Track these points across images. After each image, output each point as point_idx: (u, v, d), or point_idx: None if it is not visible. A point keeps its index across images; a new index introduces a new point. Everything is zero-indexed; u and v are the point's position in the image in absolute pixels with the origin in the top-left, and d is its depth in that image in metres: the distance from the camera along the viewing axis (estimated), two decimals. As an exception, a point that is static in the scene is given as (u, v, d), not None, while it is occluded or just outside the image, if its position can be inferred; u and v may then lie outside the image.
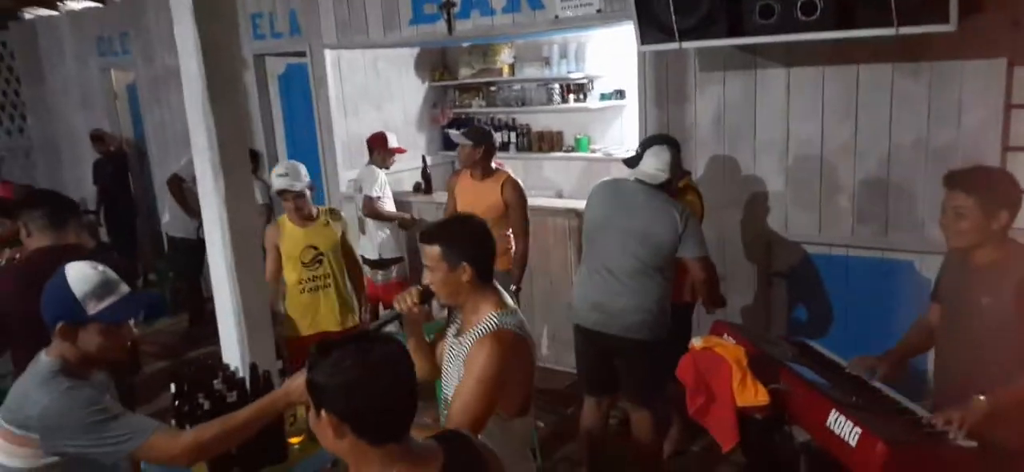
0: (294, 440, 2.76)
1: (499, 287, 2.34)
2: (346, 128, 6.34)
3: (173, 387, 2.71)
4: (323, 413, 1.51)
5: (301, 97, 6.55)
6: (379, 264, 5.66)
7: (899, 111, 3.92)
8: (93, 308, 2.08)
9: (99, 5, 7.90)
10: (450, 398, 2.25)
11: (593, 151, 6.29)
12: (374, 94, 6.54)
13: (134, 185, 8.26)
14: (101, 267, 2.18)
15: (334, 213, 4.41)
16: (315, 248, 4.20)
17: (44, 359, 2.14)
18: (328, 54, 6.14)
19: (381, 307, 5.50)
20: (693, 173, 4.39)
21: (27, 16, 8.81)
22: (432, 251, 2.22)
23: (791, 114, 4.23)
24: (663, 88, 4.60)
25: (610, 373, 3.63)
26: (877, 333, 3.36)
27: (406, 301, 2.28)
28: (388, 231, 5.64)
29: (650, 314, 3.44)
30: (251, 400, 2.55)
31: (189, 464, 2.19)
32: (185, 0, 2.52)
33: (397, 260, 5.71)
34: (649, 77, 4.62)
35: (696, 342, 3.03)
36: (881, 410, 2.67)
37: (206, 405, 2.60)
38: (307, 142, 6.57)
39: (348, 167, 6.25)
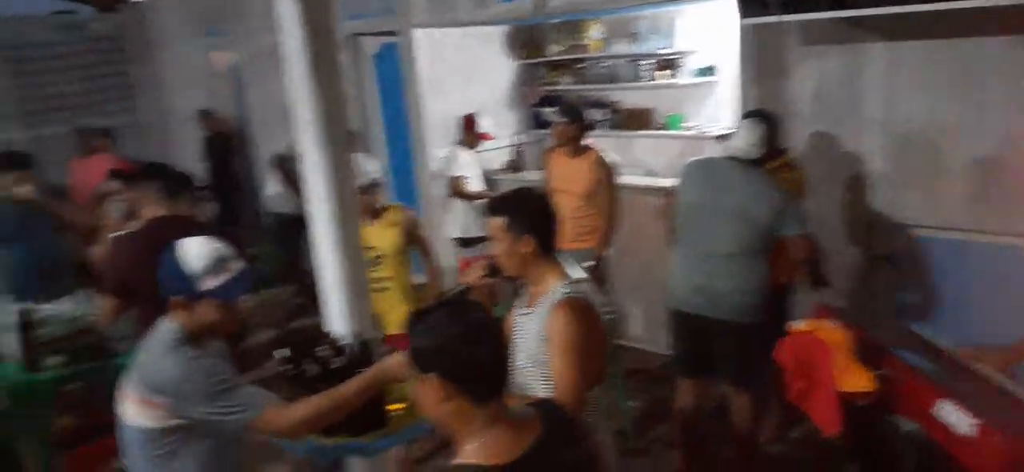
0: (393, 407, 2.85)
1: (565, 260, 2.37)
2: (436, 107, 6.42)
3: (280, 353, 2.84)
4: (429, 377, 1.55)
5: (395, 77, 6.67)
6: (465, 243, 5.77)
7: (1018, 87, 3.69)
8: (206, 285, 2.17)
9: (203, -14, 8.24)
10: (521, 372, 2.30)
11: (686, 129, 6.17)
12: (464, 73, 6.60)
13: (237, 162, 8.60)
14: (215, 244, 2.26)
15: (398, 210, 4.17)
16: (374, 248, 3.95)
17: (166, 326, 2.25)
18: (419, 33, 6.22)
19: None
20: (792, 150, 4.26)
21: None
22: (496, 222, 2.29)
23: (897, 89, 4.04)
24: (761, 63, 4.47)
25: (708, 356, 3.58)
26: (989, 321, 3.20)
27: (473, 275, 2.34)
28: (474, 210, 5.72)
29: (753, 296, 3.37)
30: (355, 367, 2.65)
31: (296, 438, 2.29)
32: (287, -24, 2.59)
33: (483, 239, 5.78)
34: (747, 52, 4.50)
35: (797, 325, 2.96)
36: (995, 401, 2.55)
37: (312, 371, 2.70)
38: (400, 122, 6.69)
39: (439, 147, 6.34)
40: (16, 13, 8.84)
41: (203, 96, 8.67)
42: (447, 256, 6.48)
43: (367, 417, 2.70)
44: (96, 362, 3.96)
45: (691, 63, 6.06)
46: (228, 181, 8.33)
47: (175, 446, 2.20)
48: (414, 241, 4.14)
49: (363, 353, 2.74)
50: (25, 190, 4.40)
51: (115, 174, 4.69)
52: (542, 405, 1.74)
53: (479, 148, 5.84)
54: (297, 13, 2.62)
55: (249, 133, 8.37)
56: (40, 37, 9.00)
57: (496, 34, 6.80)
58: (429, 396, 1.56)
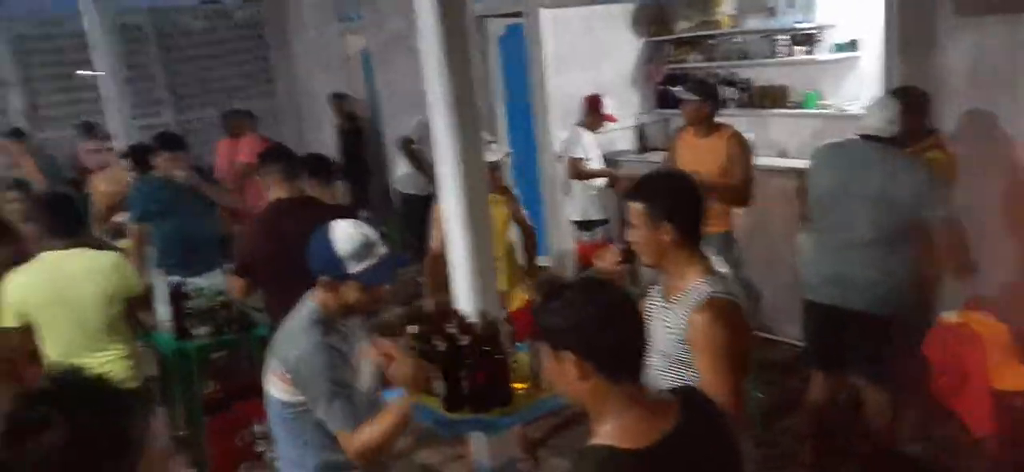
0: (519, 385, 2.88)
1: (708, 251, 2.25)
2: (560, 88, 6.41)
3: (411, 329, 2.94)
4: (564, 354, 1.53)
5: (519, 58, 6.71)
6: (585, 225, 5.74)
7: None
8: (353, 268, 2.24)
9: (336, -26, 8.55)
10: (652, 369, 2.22)
11: (823, 107, 5.87)
12: (588, 53, 6.55)
13: (366, 144, 8.91)
14: (364, 228, 2.33)
15: (505, 191, 4.19)
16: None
17: (309, 304, 2.34)
18: (544, 13, 6.22)
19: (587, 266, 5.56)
20: (943, 130, 3.97)
21: (276, -14, 9.76)
22: (635, 208, 2.17)
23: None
24: (909, 36, 4.19)
25: (843, 348, 3.39)
26: None
27: (607, 260, 2.28)
28: (594, 191, 5.67)
29: (893, 286, 3.17)
30: (481, 344, 2.70)
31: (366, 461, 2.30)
32: (422, -36, 2.65)
33: (602, 222, 5.74)
34: (893, 24, 4.22)
35: (949, 317, 2.76)
36: None
37: (441, 346, 2.77)
38: (523, 103, 6.73)
39: (561, 128, 6.32)
40: (168, 3, 9.48)
41: (336, 80, 9.02)
42: (565, 239, 6.50)
43: (492, 394, 2.75)
44: (238, 333, 4.23)
45: (830, 38, 5.74)
46: (358, 163, 8.64)
47: (304, 418, 2.29)
48: (516, 220, 4.17)
49: (489, 330, 2.79)
50: (178, 170, 4.72)
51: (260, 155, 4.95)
52: (683, 391, 1.68)
53: (602, 129, 5.78)
54: (431, -3, 2.68)
55: (378, 115, 8.65)
56: (190, 26, 9.63)
57: (621, 12, 6.69)
58: (564, 374, 1.54)
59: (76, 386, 1.24)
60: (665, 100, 6.74)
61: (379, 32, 8.06)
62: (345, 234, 2.27)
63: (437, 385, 2.70)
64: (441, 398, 2.71)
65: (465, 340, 2.74)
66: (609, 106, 5.74)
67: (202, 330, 4.11)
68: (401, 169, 7.04)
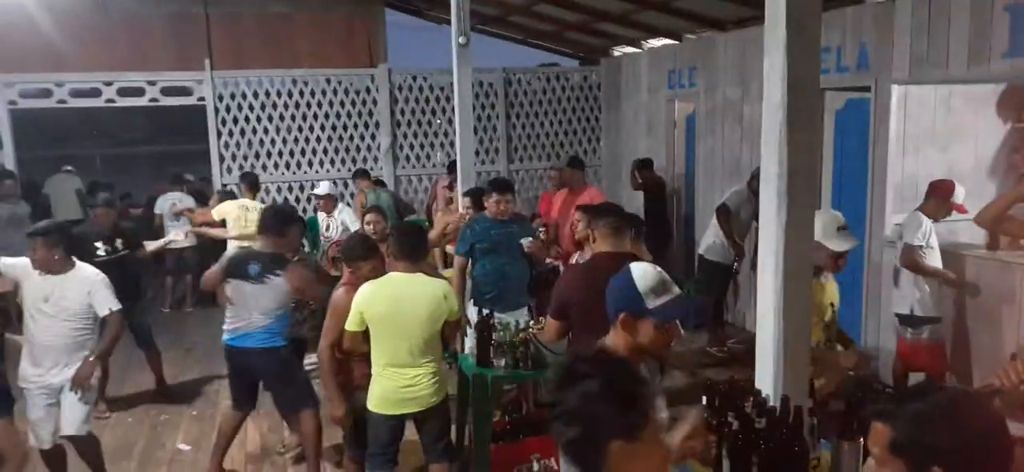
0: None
1: None
2: (902, 169, 5.83)
3: (704, 399, 2.83)
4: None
5: (856, 134, 6.25)
6: (911, 321, 5.10)
7: None
8: (652, 303, 2.31)
9: (675, 42, 8.73)
10: None
11: None
12: (941, 134, 5.88)
13: (669, 209, 8.89)
14: (659, 269, 2.41)
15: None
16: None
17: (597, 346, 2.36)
18: (895, 90, 5.73)
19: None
20: None
21: (616, 53, 10.23)
22: (878, 429, 1.59)
23: None
24: None
25: None
26: None
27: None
28: (928, 287, 5.03)
29: None
30: (781, 429, 2.51)
31: None
32: (779, 35, 2.58)
33: (933, 320, 5.06)
34: None
35: None
36: None
37: (734, 424, 2.63)
38: (856, 181, 6.24)
39: (898, 211, 5.74)
40: (511, 65, 10.42)
41: (659, 144, 9.17)
42: (886, 334, 5.84)
43: None
44: (532, 371, 4.43)
45: None
46: (663, 225, 8.65)
47: None
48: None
49: (787, 416, 2.58)
50: (502, 209, 5.14)
51: (581, 209, 5.20)
52: None
53: (946, 219, 5.13)
54: (784, 66, 2.60)
55: (693, 181, 8.61)
56: (532, 85, 10.49)
57: (989, 94, 5.93)
58: None
59: (610, 359, 1.73)
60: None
61: (709, 99, 8.05)
62: (643, 272, 2.37)
63: (724, 465, 2.56)
64: (723, 477, 2.57)
65: (761, 423, 2.57)
66: (960, 195, 5.08)
67: (501, 362, 4.37)
68: (710, 237, 6.94)
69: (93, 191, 9.71)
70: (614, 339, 2.37)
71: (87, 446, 4.44)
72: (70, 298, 4.20)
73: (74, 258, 4.31)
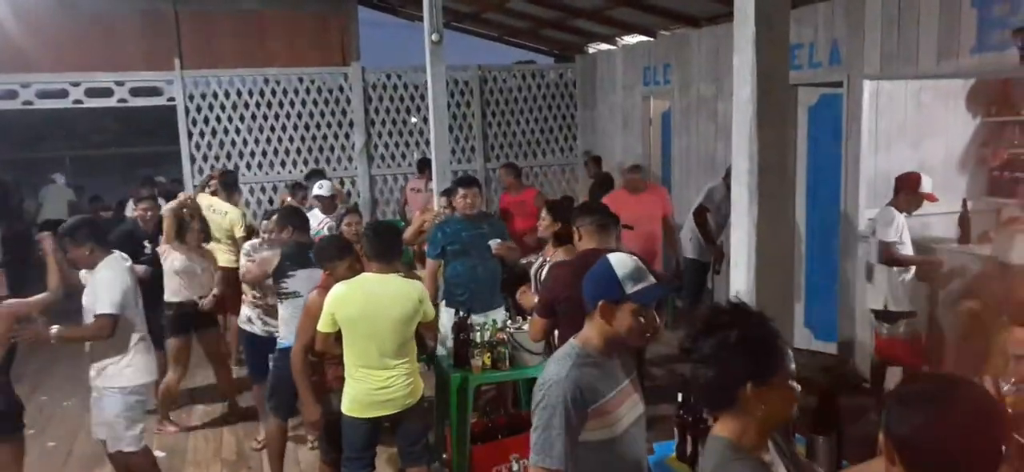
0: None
1: None
2: (874, 165, 5.87)
3: (680, 397, 2.85)
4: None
5: (829, 129, 6.29)
6: (886, 316, 5.14)
7: None
8: (630, 289, 2.31)
9: (649, 39, 8.74)
10: None
11: None
12: (912, 129, 5.94)
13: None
14: (635, 257, 2.43)
15: None
16: None
17: (571, 341, 2.41)
18: (866, 85, 5.78)
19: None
20: None
21: (591, 50, 10.23)
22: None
23: None
24: None
25: None
26: None
27: None
28: (904, 279, 5.08)
29: None
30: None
31: None
32: (748, 31, 2.59)
33: (908, 314, 5.11)
34: None
35: None
36: None
37: (709, 421, 2.62)
38: (829, 177, 6.29)
39: (871, 206, 5.78)
40: (487, 62, 10.38)
41: (634, 141, 9.19)
42: (861, 328, 5.89)
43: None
44: (508, 370, 4.41)
45: None
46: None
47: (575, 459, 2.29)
48: None
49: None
50: (468, 203, 5.12)
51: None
52: None
53: (917, 211, 5.17)
54: (753, 63, 2.60)
55: (669, 178, 8.63)
56: (508, 83, 10.46)
57: (958, 88, 5.99)
58: None
59: (748, 312, 1.89)
60: (998, 187, 5.90)
61: (684, 96, 8.08)
62: (621, 260, 2.38)
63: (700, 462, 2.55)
64: None
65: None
66: (927, 185, 5.12)
67: (478, 362, 4.34)
68: (686, 234, 6.99)
69: (81, 197, 9.65)
70: (592, 328, 2.38)
71: (109, 454, 4.27)
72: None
73: (105, 251, 4.08)
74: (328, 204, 6.60)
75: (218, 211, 6.54)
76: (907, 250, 5.10)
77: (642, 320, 2.32)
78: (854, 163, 5.94)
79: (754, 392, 1.75)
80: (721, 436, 1.83)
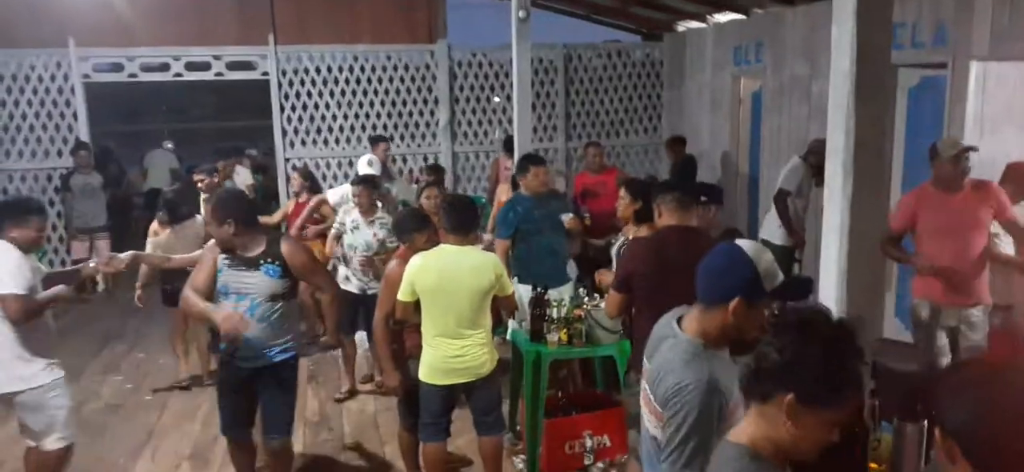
0: (874, 466, 2.55)
1: None
2: (981, 149, 5.54)
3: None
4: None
5: (930, 113, 5.97)
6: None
7: None
8: (768, 287, 2.09)
9: (742, 17, 8.48)
10: None
11: None
12: (1021, 114, 5.57)
13: (735, 188, 8.68)
14: (760, 245, 2.23)
15: None
16: None
17: (684, 337, 2.16)
18: (974, 67, 5.44)
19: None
20: None
21: (680, 29, 10.01)
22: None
23: None
24: None
25: None
26: None
27: None
28: (999, 274, 4.79)
29: None
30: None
31: None
32: (849, 2, 2.46)
33: (1004, 308, 4.82)
34: None
35: None
36: None
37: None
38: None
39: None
40: (572, 41, 10.29)
41: (722, 121, 8.96)
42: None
43: (844, 467, 2.44)
44: (585, 346, 4.38)
45: None
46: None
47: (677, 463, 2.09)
48: None
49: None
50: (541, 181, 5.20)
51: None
52: None
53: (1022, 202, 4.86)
54: (853, 34, 2.48)
55: (757, 159, 8.38)
56: (591, 62, 10.35)
57: (1077, 70, 5.58)
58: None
59: (850, 336, 1.69)
60: None
61: (776, 76, 7.81)
62: (758, 251, 2.13)
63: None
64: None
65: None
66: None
67: (554, 337, 4.33)
68: (772, 221, 6.78)
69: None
70: (711, 321, 2.13)
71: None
72: None
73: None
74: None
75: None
76: (1007, 247, 4.80)
77: (765, 314, 2.11)
78: (957, 149, 5.62)
79: (791, 406, 1.63)
80: (737, 443, 1.72)
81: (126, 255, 4.31)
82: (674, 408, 2.06)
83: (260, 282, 3.79)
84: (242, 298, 3.80)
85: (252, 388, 3.95)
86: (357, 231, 5.49)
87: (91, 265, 4.19)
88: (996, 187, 4.50)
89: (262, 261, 3.80)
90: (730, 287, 2.09)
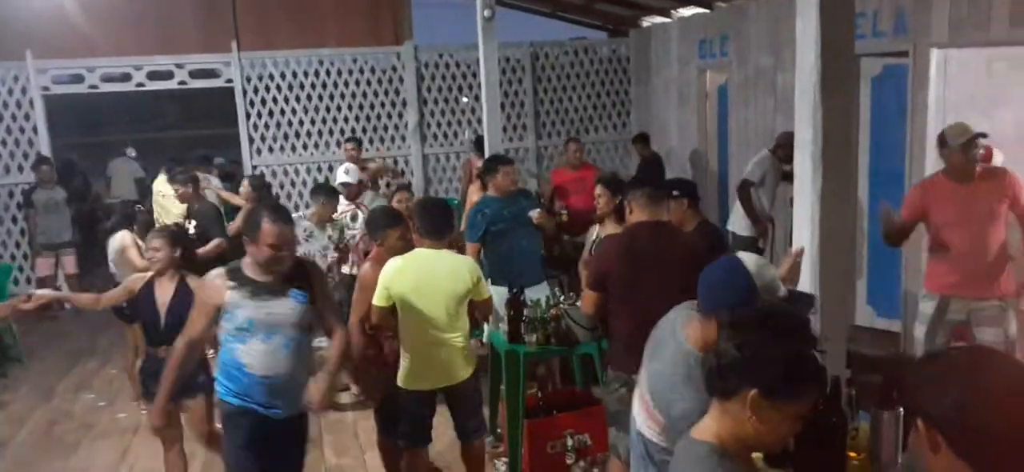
0: (853, 455, 2.58)
1: None
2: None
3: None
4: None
5: (893, 101, 6.07)
6: None
7: None
8: (768, 300, 2.08)
9: (706, 11, 8.56)
10: None
11: None
12: (983, 100, 5.66)
13: (705, 181, 8.75)
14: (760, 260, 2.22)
15: None
16: None
17: (688, 348, 2.14)
18: (934, 54, 5.55)
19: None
20: None
21: (645, 24, 10.07)
22: None
23: None
24: None
25: None
26: None
27: None
28: None
29: None
30: (819, 400, 2.44)
31: None
32: (812, -3, 2.50)
33: None
34: None
35: None
36: None
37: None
38: (893, 150, 6.07)
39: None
40: (539, 39, 10.29)
41: (690, 115, 9.03)
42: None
43: (822, 460, 2.47)
44: (561, 345, 4.39)
45: None
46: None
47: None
48: None
49: (832, 390, 2.52)
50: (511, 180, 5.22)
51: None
52: None
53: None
54: (817, 27, 2.51)
55: (725, 152, 8.46)
56: (558, 60, 10.36)
57: (1034, 55, 5.71)
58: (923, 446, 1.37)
59: (805, 331, 1.79)
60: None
61: (742, 69, 7.89)
62: (759, 266, 2.12)
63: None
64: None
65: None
66: (998, 161, 4.91)
67: (531, 338, 4.34)
68: (738, 212, 6.85)
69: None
70: (696, 333, 2.14)
71: None
72: None
73: None
74: (353, 190, 6.25)
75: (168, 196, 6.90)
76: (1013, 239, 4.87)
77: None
78: (919, 136, 5.72)
79: (755, 401, 1.64)
80: (703, 440, 1.72)
81: (44, 292, 4.20)
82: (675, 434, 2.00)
83: (291, 311, 3.23)
84: (272, 334, 3.20)
85: (271, 442, 3.31)
86: (312, 238, 5.53)
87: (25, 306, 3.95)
88: (1013, 176, 4.34)
89: (288, 287, 3.24)
90: (721, 298, 2.08)
